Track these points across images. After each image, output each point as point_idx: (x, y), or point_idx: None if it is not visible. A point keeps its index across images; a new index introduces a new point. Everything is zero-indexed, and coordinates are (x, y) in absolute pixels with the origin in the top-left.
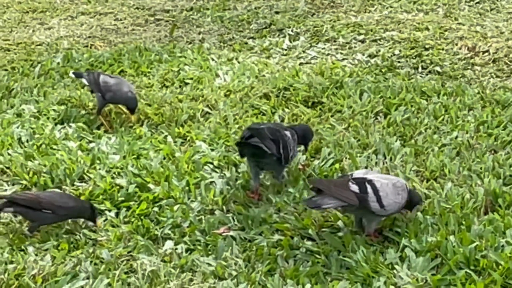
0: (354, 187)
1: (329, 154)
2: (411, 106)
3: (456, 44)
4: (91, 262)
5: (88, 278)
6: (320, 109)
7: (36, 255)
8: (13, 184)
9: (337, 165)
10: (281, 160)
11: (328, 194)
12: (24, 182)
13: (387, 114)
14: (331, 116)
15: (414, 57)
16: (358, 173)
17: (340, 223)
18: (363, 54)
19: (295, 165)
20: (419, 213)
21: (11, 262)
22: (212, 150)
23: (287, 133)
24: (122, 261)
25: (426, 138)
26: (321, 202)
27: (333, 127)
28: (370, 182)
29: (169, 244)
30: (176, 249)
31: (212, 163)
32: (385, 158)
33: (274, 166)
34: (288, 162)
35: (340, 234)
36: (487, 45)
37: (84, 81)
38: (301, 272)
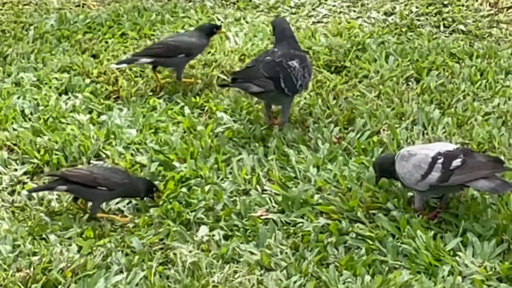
0: None
1: (363, 125)
2: (444, 70)
3: (477, 0)
4: (122, 252)
5: (121, 271)
6: (345, 74)
7: (60, 244)
8: (23, 163)
9: (375, 138)
10: (286, 93)
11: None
12: (35, 160)
13: (419, 80)
14: (359, 82)
15: (434, 15)
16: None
17: (389, 204)
18: (378, 12)
19: (329, 139)
20: (476, 193)
21: (34, 254)
22: (234, 121)
23: (294, 62)
24: (156, 250)
25: (467, 106)
26: None
27: (364, 95)
28: None
29: (204, 230)
30: (213, 235)
31: (237, 137)
32: (425, 129)
33: (281, 100)
34: (299, 91)
35: (393, 214)
36: (510, 0)
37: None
38: (357, 261)
